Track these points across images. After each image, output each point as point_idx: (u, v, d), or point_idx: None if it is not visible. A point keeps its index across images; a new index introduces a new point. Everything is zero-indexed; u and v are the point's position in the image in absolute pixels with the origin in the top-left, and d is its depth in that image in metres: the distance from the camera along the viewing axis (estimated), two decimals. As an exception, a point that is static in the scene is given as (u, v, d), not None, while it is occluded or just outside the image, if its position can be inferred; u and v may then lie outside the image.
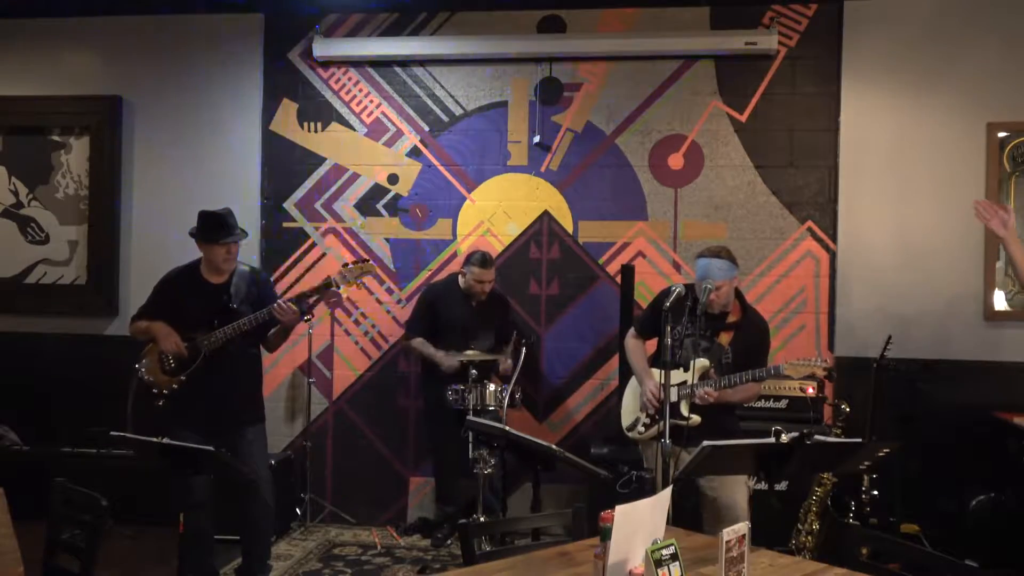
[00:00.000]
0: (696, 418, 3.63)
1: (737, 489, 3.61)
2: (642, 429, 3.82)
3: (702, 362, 3.68)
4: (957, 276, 5.05)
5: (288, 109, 5.63)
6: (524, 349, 4.42)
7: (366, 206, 5.58)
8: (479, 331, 4.97)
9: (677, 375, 3.64)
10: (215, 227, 4.02)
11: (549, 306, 5.43)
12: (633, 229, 5.36)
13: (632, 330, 4.02)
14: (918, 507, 4.83)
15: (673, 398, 3.61)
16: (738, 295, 3.80)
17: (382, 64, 5.54)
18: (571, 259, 5.41)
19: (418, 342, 5.06)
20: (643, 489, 4.27)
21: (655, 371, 3.71)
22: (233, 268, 4.12)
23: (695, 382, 3.63)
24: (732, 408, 3.83)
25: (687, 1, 5.28)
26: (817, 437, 2.71)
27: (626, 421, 3.92)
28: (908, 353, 4.90)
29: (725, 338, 3.73)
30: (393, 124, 5.56)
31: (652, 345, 3.98)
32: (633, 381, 3.94)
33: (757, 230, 5.26)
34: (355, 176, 5.59)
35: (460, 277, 5.05)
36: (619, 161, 5.38)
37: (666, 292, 3.47)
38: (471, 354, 4.70)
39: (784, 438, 2.67)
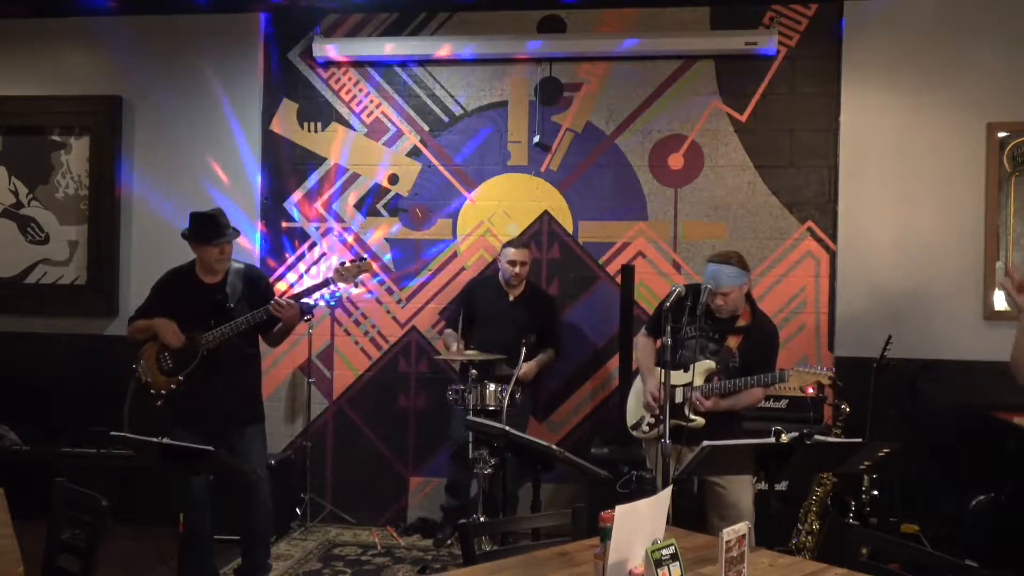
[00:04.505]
0: (700, 420, 3.62)
1: (743, 489, 3.62)
2: (646, 428, 3.83)
3: (706, 364, 3.67)
4: (957, 276, 5.05)
5: (288, 109, 5.63)
6: (524, 349, 4.41)
7: (366, 206, 5.58)
8: (512, 326, 4.78)
9: (683, 376, 3.62)
10: (206, 228, 4.03)
11: (549, 306, 5.42)
12: (633, 229, 5.36)
13: (644, 328, 4.05)
14: (918, 507, 4.82)
15: (678, 399, 3.62)
16: (749, 299, 3.80)
17: (382, 64, 5.54)
18: (571, 259, 5.41)
19: (447, 333, 5.10)
20: (643, 489, 4.27)
21: (658, 370, 3.71)
22: (227, 267, 4.13)
23: (697, 384, 3.62)
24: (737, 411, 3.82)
25: (687, 1, 5.28)
26: (817, 437, 2.72)
27: (631, 420, 3.94)
28: (908, 353, 4.90)
29: (733, 342, 3.72)
30: (393, 124, 5.56)
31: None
32: (638, 380, 3.95)
33: (757, 230, 5.26)
34: (355, 176, 5.59)
35: (499, 270, 5.04)
36: (619, 161, 5.38)
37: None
38: (471, 354, 4.68)
39: (784, 438, 2.68)
